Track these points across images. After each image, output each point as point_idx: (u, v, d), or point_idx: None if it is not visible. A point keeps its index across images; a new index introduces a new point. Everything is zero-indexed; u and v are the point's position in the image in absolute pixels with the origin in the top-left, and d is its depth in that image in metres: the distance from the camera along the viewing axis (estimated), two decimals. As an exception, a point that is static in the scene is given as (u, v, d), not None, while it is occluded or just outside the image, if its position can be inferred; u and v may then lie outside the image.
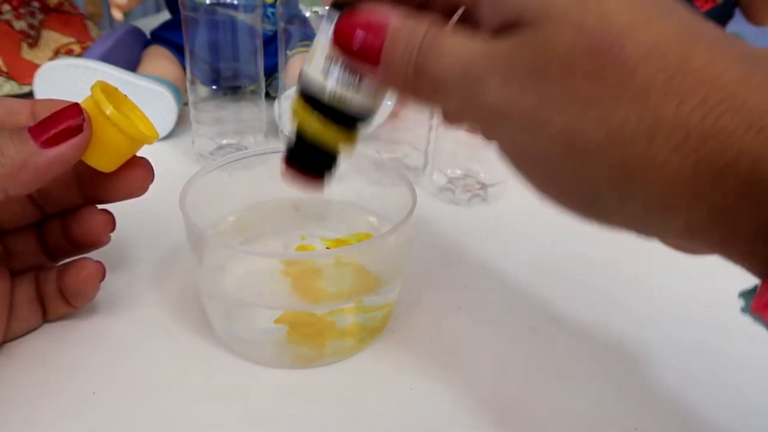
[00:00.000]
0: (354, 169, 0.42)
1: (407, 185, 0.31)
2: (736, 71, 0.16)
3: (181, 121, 0.54)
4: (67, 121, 0.24)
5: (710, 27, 0.18)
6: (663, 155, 0.16)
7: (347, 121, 0.23)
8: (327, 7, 0.23)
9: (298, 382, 0.28)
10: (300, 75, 0.23)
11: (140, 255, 0.36)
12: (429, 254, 0.39)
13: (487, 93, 0.19)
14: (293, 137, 0.24)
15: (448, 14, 0.23)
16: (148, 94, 0.51)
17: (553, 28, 0.17)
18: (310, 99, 0.23)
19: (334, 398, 0.27)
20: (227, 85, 0.48)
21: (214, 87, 0.48)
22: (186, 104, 0.50)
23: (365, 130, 0.24)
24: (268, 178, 0.36)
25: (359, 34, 0.21)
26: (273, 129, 0.54)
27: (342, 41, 0.21)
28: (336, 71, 0.22)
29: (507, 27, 0.19)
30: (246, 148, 0.49)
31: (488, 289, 0.35)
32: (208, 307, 0.30)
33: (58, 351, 0.29)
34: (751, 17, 0.65)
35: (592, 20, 0.17)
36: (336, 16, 0.22)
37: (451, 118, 0.25)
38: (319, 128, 0.23)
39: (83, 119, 0.24)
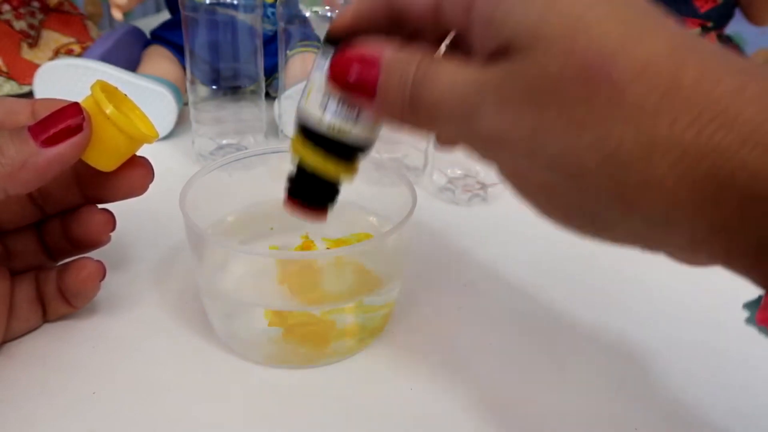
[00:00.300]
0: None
1: (407, 185, 0.31)
2: (728, 85, 0.16)
3: (181, 121, 0.54)
4: (66, 121, 0.24)
5: (701, 41, 0.18)
6: (660, 173, 0.16)
7: (347, 152, 0.24)
8: (322, 44, 0.24)
9: (298, 382, 0.28)
10: (297, 110, 0.24)
11: (140, 255, 0.36)
12: (429, 254, 0.39)
13: (483, 119, 0.19)
14: (294, 171, 0.24)
15: (439, 41, 0.24)
16: (148, 94, 0.51)
17: (543, 53, 0.17)
18: (309, 133, 0.23)
19: (334, 398, 0.27)
20: (227, 85, 0.48)
21: (214, 87, 0.48)
22: (186, 104, 0.50)
23: (365, 159, 0.25)
24: (268, 178, 0.36)
25: (354, 68, 0.21)
26: (273, 129, 0.54)
27: (337, 76, 0.22)
28: (333, 105, 0.23)
29: (499, 53, 0.19)
30: (246, 148, 0.49)
31: (488, 289, 0.35)
32: (208, 307, 0.30)
33: (58, 351, 0.29)
34: (751, 17, 0.65)
35: (581, 44, 0.17)
36: (330, 51, 0.23)
37: (446, 142, 0.25)
38: (319, 162, 0.23)
39: (83, 118, 0.24)
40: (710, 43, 0.18)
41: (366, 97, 0.22)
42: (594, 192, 0.18)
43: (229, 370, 0.28)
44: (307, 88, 0.23)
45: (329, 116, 0.23)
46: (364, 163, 0.35)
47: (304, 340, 0.29)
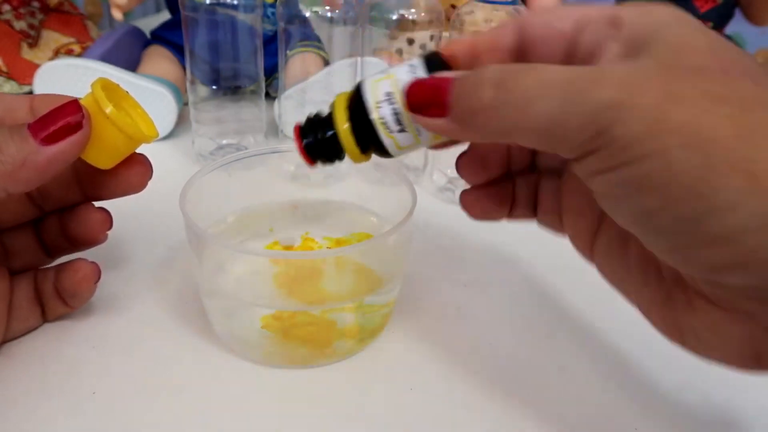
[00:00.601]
0: (354, 169, 0.42)
1: (407, 185, 0.31)
2: None
3: (181, 121, 0.54)
4: (66, 118, 0.24)
5: None
6: None
7: (372, 144, 0.24)
8: (418, 58, 0.24)
9: (298, 382, 0.28)
10: (365, 80, 0.24)
11: (140, 254, 0.36)
12: (429, 254, 0.39)
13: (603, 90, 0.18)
14: (319, 117, 0.25)
15: None
16: (148, 94, 0.51)
17: (680, 52, 0.19)
18: (356, 105, 0.23)
19: (334, 398, 0.27)
20: (227, 85, 0.48)
21: (214, 87, 0.48)
22: (186, 104, 0.50)
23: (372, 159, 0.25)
24: (268, 178, 0.36)
25: (428, 91, 0.22)
26: (273, 129, 0.54)
27: (413, 99, 0.22)
28: (395, 107, 0.23)
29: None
30: (246, 148, 0.49)
31: (488, 289, 0.35)
32: (207, 307, 0.30)
33: (58, 351, 0.29)
34: (751, 17, 0.65)
35: (724, 54, 0.18)
36: (421, 67, 0.23)
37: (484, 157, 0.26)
38: (345, 132, 0.24)
39: (82, 116, 0.24)
40: None
41: (437, 114, 0.22)
42: (718, 163, 0.17)
43: (229, 370, 0.28)
44: (386, 74, 0.23)
45: (385, 111, 0.23)
46: (365, 163, 0.35)
47: (304, 340, 0.29)
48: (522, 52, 0.24)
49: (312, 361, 0.29)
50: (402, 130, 0.23)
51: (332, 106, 0.24)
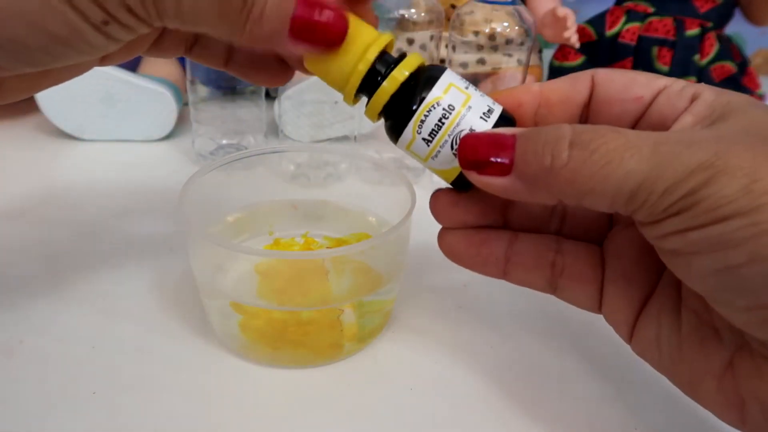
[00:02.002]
0: (354, 169, 0.42)
1: (407, 185, 0.31)
2: None
3: (181, 121, 0.54)
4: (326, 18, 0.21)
5: None
6: None
7: (390, 113, 0.23)
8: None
9: (298, 382, 0.28)
10: (447, 72, 0.23)
11: (140, 254, 0.36)
12: (429, 254, 0.39)
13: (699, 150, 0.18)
14: (380, 70, 0.23)
15: None
16: (148, 94, 0.51)
17: (756, 127, 0.20)
18: (419, 82, 0.23)
19: (334, 398, 0.27)
20: (227, 85, 0.48)
21: (214, 87, 0.48)
22: (186, 104, 0.50)
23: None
24: (268, 178, 0.36)
25: (485, 149, 0.22)
26: (273, 129, 0.54)
27: (471, 156, 0.22)
28: (442, 122, 0.22)
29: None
30: (246, 148, 0.49)
31: (488, 289, 0.35)
32: (207, 307, 0.30)
33: (58, 351, 0.29)
34: (751, 17, 0.65)
35: None
36: (497, 117, 0.23)
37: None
38: (382, 96, 0.23)
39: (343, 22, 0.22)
40: None
41: (498, 172, 0.21)
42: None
43: (229, 370, 0.28)
44: (466, 92, 0.23)
45: (430, 116, 0.22)
46: (364, 163, 0.35)
47: (304, 340, 0.29)
48: (593, 111, 0.24)
49: (312, 361, 0.29)
50: (427, 142, 0.23)
51: (405, 59, 0.23)
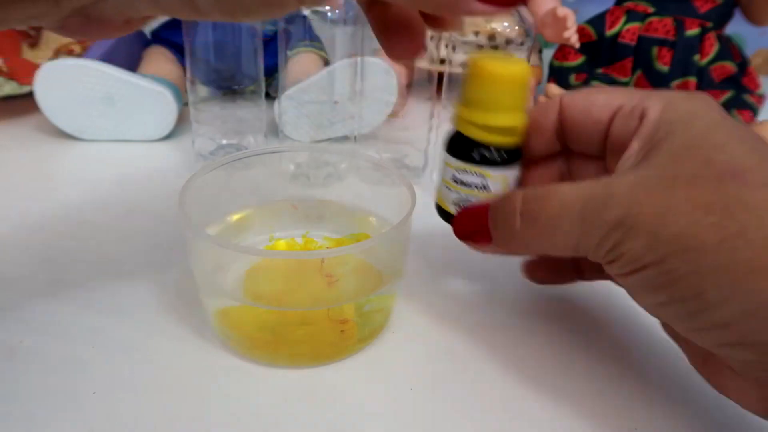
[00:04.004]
0: (353, 169, 0.42)
1: (407, 185, 0.31)
2: None
3: (181, 121, 0.54)
4: None
5: None
6: None
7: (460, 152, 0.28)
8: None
9: (298, 382, 0.28)
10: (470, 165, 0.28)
11: (140, 254, 0.36)
12: (429, 254, 0.39)
13: (611, 209, 0.22)
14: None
15: (600, 159, 0.28)
16: (148, 94, 0.51)
17: (687, 159, 0.21)
18: (459, 147, 0.28)
19: (334, 398, 0.27)
20: (227, 85, 0.48)
21: (214, 87, 0.48)
22: (186, 104, 0.50)
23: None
24: (268, 178, 0.36)
25: (469, 222, 0.28)
26: (273, 129, 0.54)
27: (460, 233, 0.28)
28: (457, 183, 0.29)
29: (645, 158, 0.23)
30: (246, 148, 0.49)
31: (488, 288, 0.35)
32: (207, 307, 0.30)
33: (58, 351, 0.29)
34: (751, 17, 0.65)
35: (721, 157, 0.21)
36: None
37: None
38: (478, 136, 0.28)
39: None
40: None
41: (485, 242, 0.27)
42: (706, 268, 0.20)
43: (229, 370, 0.28)
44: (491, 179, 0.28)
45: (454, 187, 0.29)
46: (364, 163, 0.35)
47: (304, 340, 0.29)
48: (567, 135, 0.28)
49: (312, 361, 0.29)
50: (455, 180, 0.29)
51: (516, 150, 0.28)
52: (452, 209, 0.29)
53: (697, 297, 0.20)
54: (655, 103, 0.24)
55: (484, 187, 0.28)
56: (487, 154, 0.27)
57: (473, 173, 0.28)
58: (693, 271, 0.20)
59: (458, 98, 0.28)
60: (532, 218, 0.24)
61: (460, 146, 0.28)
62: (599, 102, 0.26)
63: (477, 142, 0.27)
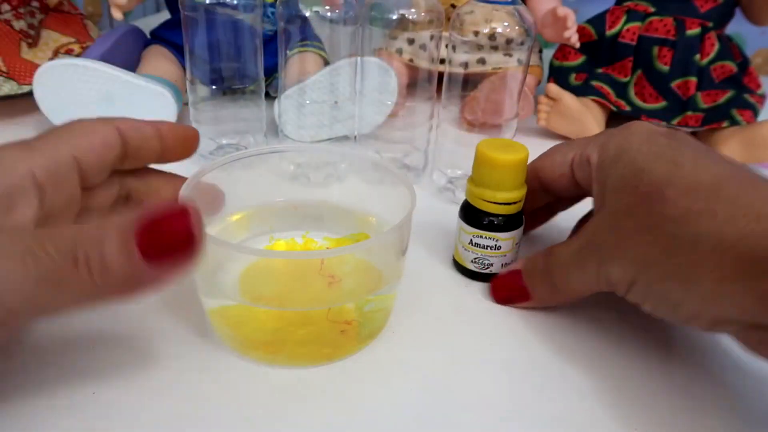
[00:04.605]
0: (354, 169, 0.42)
1: (407, 185, 0.31)
2: (758, 196, 0.23)
3: (181, 121, 0.54)
4: (176, 231, 0.21)
5: (742, 171, 0.25)
6: (706, 256, 0.24)
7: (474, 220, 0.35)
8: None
9: (298, 382, 0.28)
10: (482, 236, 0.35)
11: (140, 255, 0.36)
12: (429, 254, 0.39)
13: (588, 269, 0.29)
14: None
15: (575, 200, 0.38)
16: (148, 94, 0.51)
17: (621, 194, 0.27)
18: (471, 215, 0.35)
19: (334, 398, 0.27)
20: (227, 85, 0.48)
21: (214, 87, 0.48)
22: (186, 104, 0.50)
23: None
24: (268, 178, 0.36)
25: (506, 290, 0.34)
26: (273, 129, 0.54)
27: (500, 298, 0.34)
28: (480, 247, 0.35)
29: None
30: (246, 148, 0.49)
31: (488, 288, 0.35)
32: (206, 307, 0.30)
33: (58, 351, 0.29)
34: (751, 17, 0.65)
35: (645, 181, 0.26)
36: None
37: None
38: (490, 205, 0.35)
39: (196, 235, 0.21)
40: (750, 172, 0.25)
41: (524, 301, 0.33)
42: (659, 278, 0.25)
43: (229, 369, 0.28)
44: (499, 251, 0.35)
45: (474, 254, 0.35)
46: (364, 163, 0.35)
47: (304, 341, 0.29)
48: (547, 190, 0.35)
49: (312, 361, 0.29)
50: (471, 242, 0.35)
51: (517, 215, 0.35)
52: (471, 266, 0.36)
53: (666, 300, 0.26)
54: (593, 150, 0.30)
55: (498, 248, 0.34)
56: (496, 221, 0.34)
57: (487, 237, 0.34)
58: (654, 281, 0.26)
59: (470, 177, 0.35)
60: (544, 281, 0.32)
61: (474, 216, 0.35)
62: (558, 160, 0.33)
63: (488, 213, 0.34)
